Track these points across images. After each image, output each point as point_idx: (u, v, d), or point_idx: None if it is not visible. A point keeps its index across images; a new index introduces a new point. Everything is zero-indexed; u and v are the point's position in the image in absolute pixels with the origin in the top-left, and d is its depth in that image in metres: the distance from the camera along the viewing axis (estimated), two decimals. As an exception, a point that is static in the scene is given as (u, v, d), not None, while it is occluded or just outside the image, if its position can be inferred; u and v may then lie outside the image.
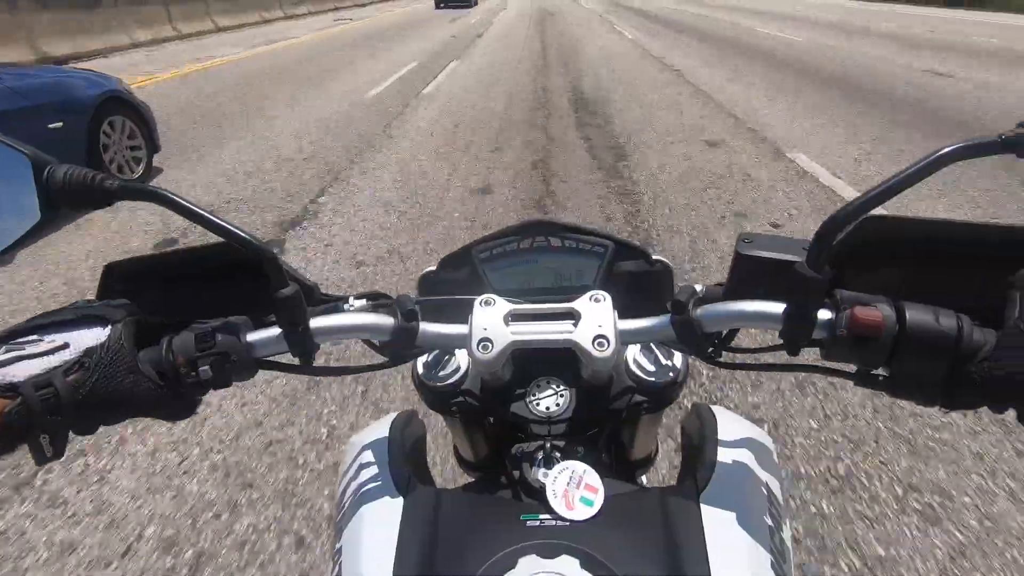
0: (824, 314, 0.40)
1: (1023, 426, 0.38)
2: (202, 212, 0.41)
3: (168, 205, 0.41)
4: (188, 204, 0.41)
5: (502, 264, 0.56)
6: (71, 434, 0.40)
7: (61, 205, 0.42)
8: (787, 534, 0.51)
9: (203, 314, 0.45)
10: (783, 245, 0.45)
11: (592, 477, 0.46)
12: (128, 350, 0.41)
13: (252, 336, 0.44)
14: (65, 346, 0.40)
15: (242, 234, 0.42)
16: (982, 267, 0.41)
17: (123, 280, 0.48)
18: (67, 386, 0.38)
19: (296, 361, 0.47)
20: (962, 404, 0.38)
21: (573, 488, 0.46)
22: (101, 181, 0.41)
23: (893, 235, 0.43)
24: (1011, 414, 0.37)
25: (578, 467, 0.47)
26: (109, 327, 0.42)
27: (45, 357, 0.40)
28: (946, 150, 0.36)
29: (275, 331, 0.44)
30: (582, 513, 0.44)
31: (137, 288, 0.47)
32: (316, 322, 0.45)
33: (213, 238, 0.44)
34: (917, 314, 0.38)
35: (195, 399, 0.44)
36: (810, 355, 0.43)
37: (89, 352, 0.40)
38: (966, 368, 0.36)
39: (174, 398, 0.43)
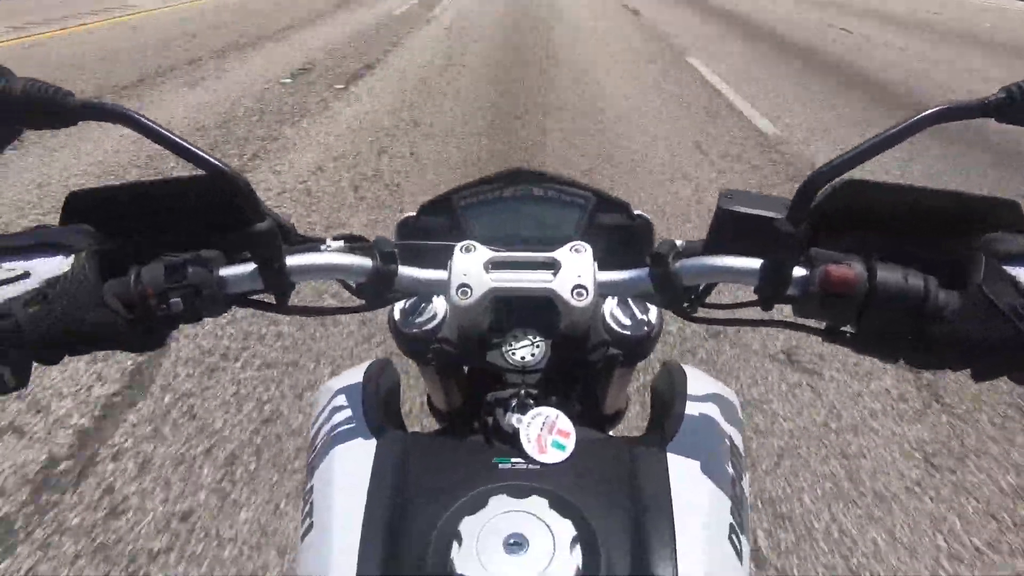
0: (799, 271, 0.41)
1: (976, 383, 0.39)
2: (173, 136, 0.39)
3: (135, 127, 0.38)
4: (157, 127, 0.39)
5: (483, 212, 0.55)
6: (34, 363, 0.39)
7: (17, 123, 0.39)
8: (746, 483, 0.54)
9: (171, 248, 0.43)
10: (764, 202, 0.45)
11: (564, 422, 0.47)
12: (93, 281, 0.39)
13: (225, 271, 0.43)
14: (26, 275, 0.39)
15: (216, 163, 0.40)
16: (947, 232, 0.42)
17: (87, 209, 0.46)
18: (28, 317, 0.37)
19: (269, 299, 0.46)
20: (924, 363, 0.39)
21: (546, 433, 0.47)
22: (64, 97, 0.38)
23: (865, 198, 0.44)
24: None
25: (551, 412, 0.48)
26: (72, 256, 0.40)
27: (4, 286, 0.38)
28: (928, 112, 0.37)
29: (249, 267, 0.43)
30: (554, 457, 0.45)
31: (102, 218, 0.45)
32: (292, 260, 0.44)
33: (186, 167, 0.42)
34: (887, 273, 0.39)
35: (164, 332, 0.43)
36: (782, 311, 0.44)
37: (52, 282, 0.38)
38: (930, 328, 0.38)
39: (143, 331, 0.41)
